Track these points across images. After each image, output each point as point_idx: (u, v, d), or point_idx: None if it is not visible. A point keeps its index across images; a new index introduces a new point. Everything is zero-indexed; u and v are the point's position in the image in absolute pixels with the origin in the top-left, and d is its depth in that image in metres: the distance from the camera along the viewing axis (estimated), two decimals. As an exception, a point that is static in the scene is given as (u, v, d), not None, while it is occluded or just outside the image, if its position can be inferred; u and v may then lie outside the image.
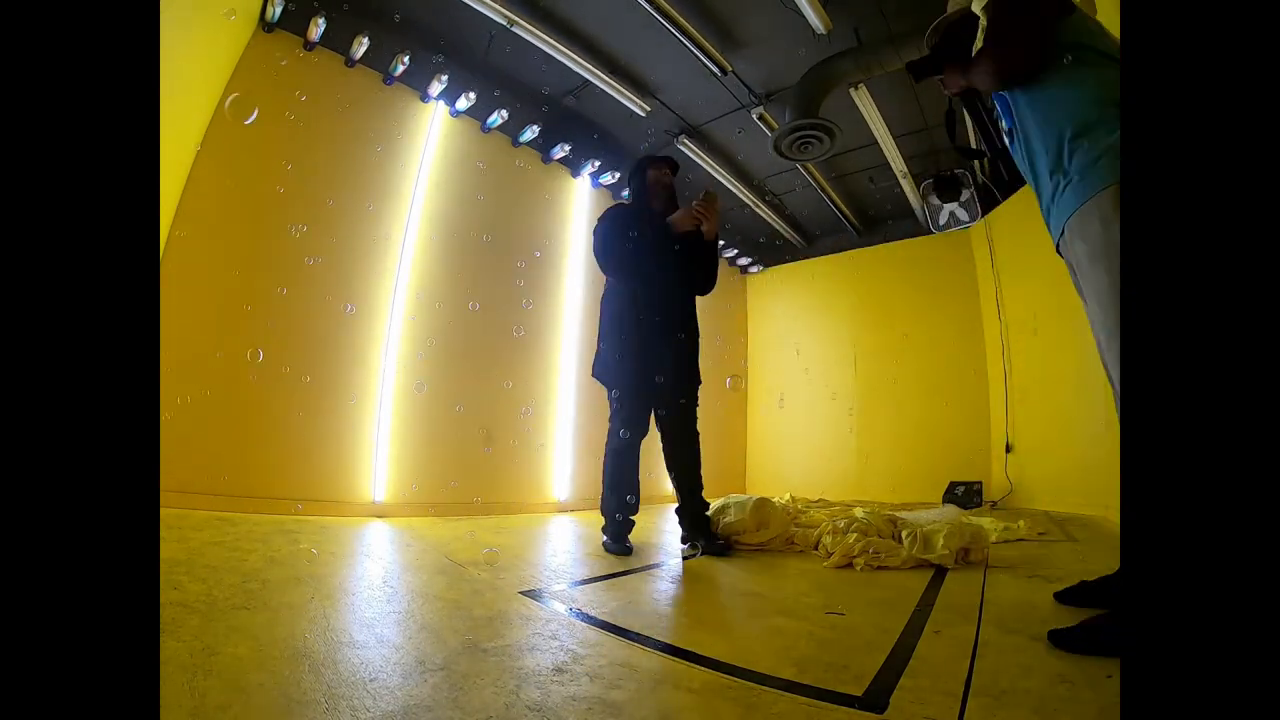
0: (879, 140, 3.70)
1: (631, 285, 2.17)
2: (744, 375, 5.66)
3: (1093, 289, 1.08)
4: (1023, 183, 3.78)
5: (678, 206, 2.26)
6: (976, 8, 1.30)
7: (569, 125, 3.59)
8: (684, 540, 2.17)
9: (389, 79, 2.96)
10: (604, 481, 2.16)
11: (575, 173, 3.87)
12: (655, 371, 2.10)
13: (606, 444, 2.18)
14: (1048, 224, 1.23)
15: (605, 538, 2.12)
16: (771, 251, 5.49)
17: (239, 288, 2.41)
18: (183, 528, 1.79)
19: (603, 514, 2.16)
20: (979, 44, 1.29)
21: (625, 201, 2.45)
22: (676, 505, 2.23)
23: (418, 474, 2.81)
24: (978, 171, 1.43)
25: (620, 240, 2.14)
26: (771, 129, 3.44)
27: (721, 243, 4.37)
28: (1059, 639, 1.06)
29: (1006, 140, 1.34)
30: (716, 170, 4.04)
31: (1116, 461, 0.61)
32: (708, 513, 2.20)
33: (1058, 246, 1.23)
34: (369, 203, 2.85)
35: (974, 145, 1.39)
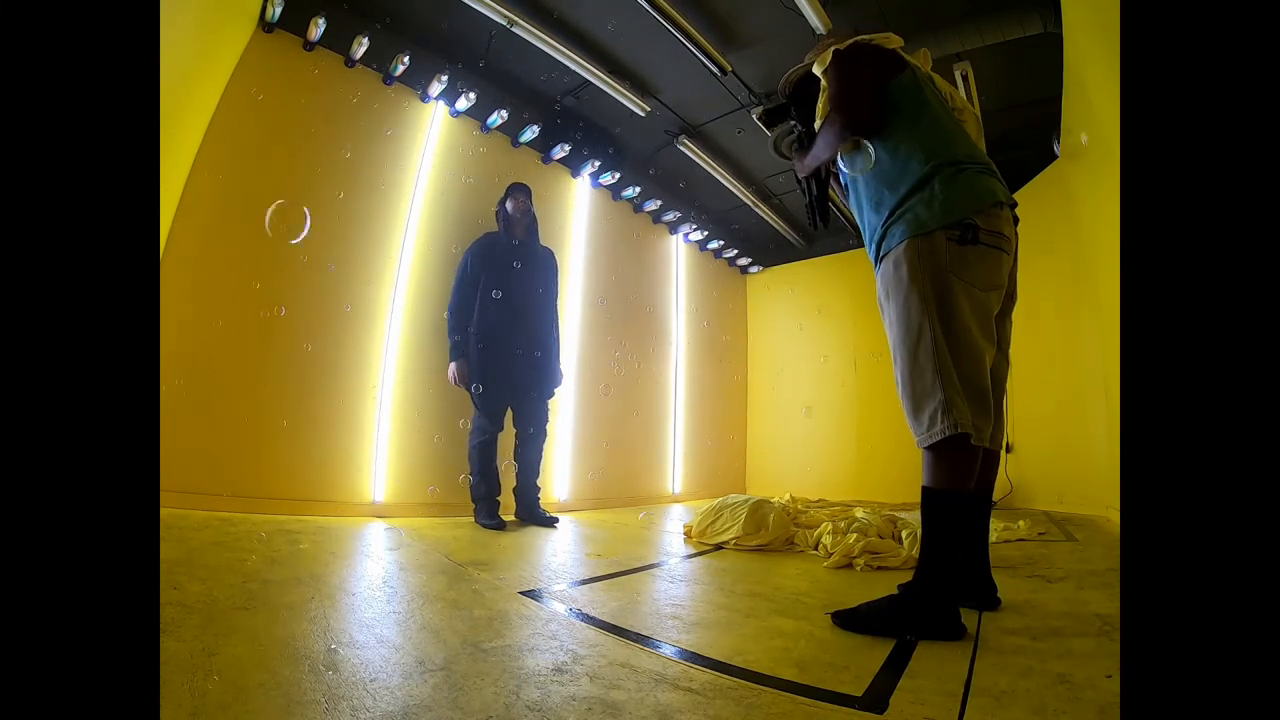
0: (879, 140, 3.69)
1: (489, 302, 2.65)
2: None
3: (888, 319, 1.27)
4: (1019, 186, 3.78)
5: (535, 225, 2.86)
6: (817, 70, 1.41)
7: (569, 125, 3.59)
8: (517, 513, 2.75)
9: (389, 79, 2.96)
10: (472, 470, 2.63)
11: (575, 173, 3.87)
12: (513, 374, 2.64)
13: (470, 438, 2.67)
14: (868, 250, 1.39)
15: (482, 517, 2.56)
16: (771, 251, 5.49)
17: (239, 287, 2.40)
18: (183, 528, 1.79)
19: (477, 499, 2.61)
20: (820, 110, 1.40)
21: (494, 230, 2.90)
22: (515, 486, 2.76)
23: (418, 474, 2.81)
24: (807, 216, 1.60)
25: (479, 269, 2.70)
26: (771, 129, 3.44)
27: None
28: (840, 619, 1.20)
29: (843, 190, 1.49)
30: (717, 170, 4.04)
31: (1116, 461, 0.61)
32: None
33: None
34: (369, 203, 2.85)
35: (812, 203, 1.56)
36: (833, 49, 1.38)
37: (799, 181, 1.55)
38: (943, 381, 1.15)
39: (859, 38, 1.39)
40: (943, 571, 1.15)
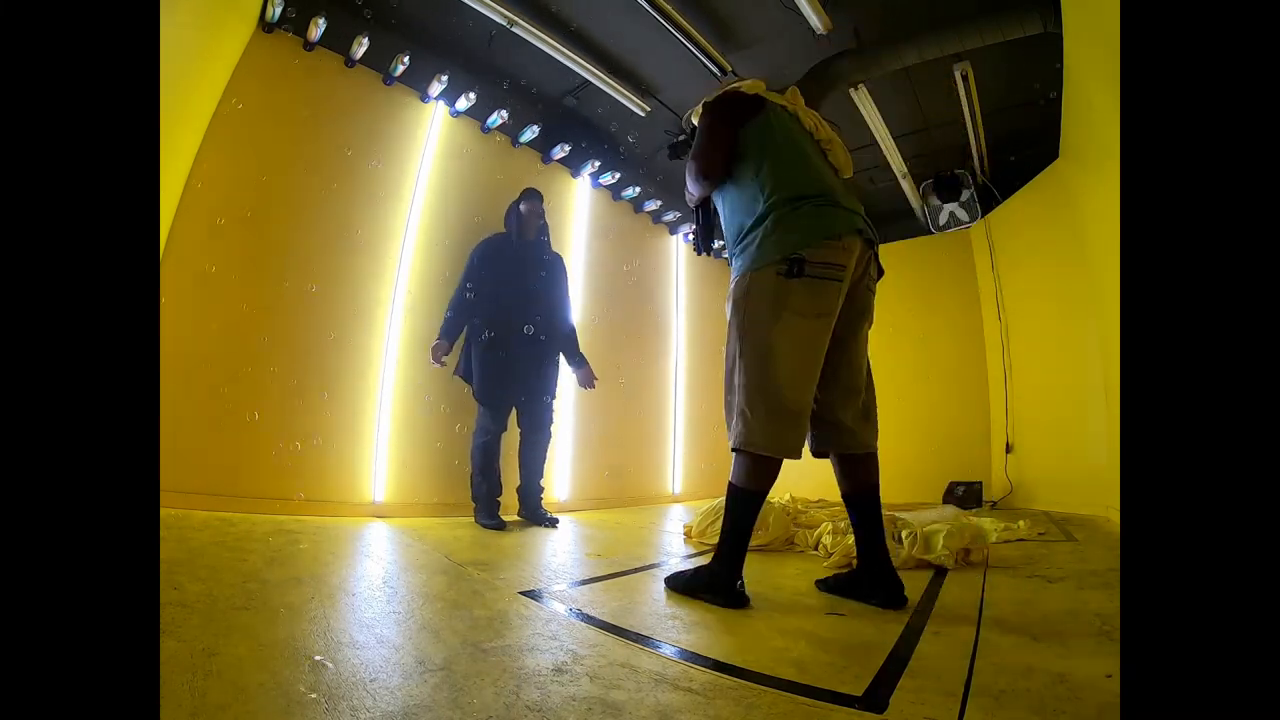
0: (879, 140, 3.69)
1: (499, 302, 2.67)
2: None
3: (729, 331, 1.43)
4: (1019, 186, 3.78)
5: (547, 230, 2.88)
6: (695, 119, 1.62)
7: (569, 125, 3.59)
8: (520, 513, 2.75)
9: (389, 79, 2.96)
10: (474, 469, 2.63)
11: (575, 173, 3.87)
12: (517, 375, 2.65)
13: (473, 438, 2.66)
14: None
15: (482, 517, 2.55)
16: (771, 251, 5.49)
17: (238, 287, 2.40)
18: (183, 528, 1.79)
19: (477, 499, 2.61)
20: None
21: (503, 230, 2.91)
22: (518, 486, 2.75)
23: (418, 475, 2.81)
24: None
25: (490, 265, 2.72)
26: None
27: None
28: (668, 581, 1.50)
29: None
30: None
31: (1116, 461, 0.62)
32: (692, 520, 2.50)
33: None
34: (369, 203, 2.85)
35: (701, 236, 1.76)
36: (704, 101, 1.58)
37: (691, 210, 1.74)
38: (746, 403, 1.35)
39: (728, 88, 1.61)
40: (730, 551, 1.39)
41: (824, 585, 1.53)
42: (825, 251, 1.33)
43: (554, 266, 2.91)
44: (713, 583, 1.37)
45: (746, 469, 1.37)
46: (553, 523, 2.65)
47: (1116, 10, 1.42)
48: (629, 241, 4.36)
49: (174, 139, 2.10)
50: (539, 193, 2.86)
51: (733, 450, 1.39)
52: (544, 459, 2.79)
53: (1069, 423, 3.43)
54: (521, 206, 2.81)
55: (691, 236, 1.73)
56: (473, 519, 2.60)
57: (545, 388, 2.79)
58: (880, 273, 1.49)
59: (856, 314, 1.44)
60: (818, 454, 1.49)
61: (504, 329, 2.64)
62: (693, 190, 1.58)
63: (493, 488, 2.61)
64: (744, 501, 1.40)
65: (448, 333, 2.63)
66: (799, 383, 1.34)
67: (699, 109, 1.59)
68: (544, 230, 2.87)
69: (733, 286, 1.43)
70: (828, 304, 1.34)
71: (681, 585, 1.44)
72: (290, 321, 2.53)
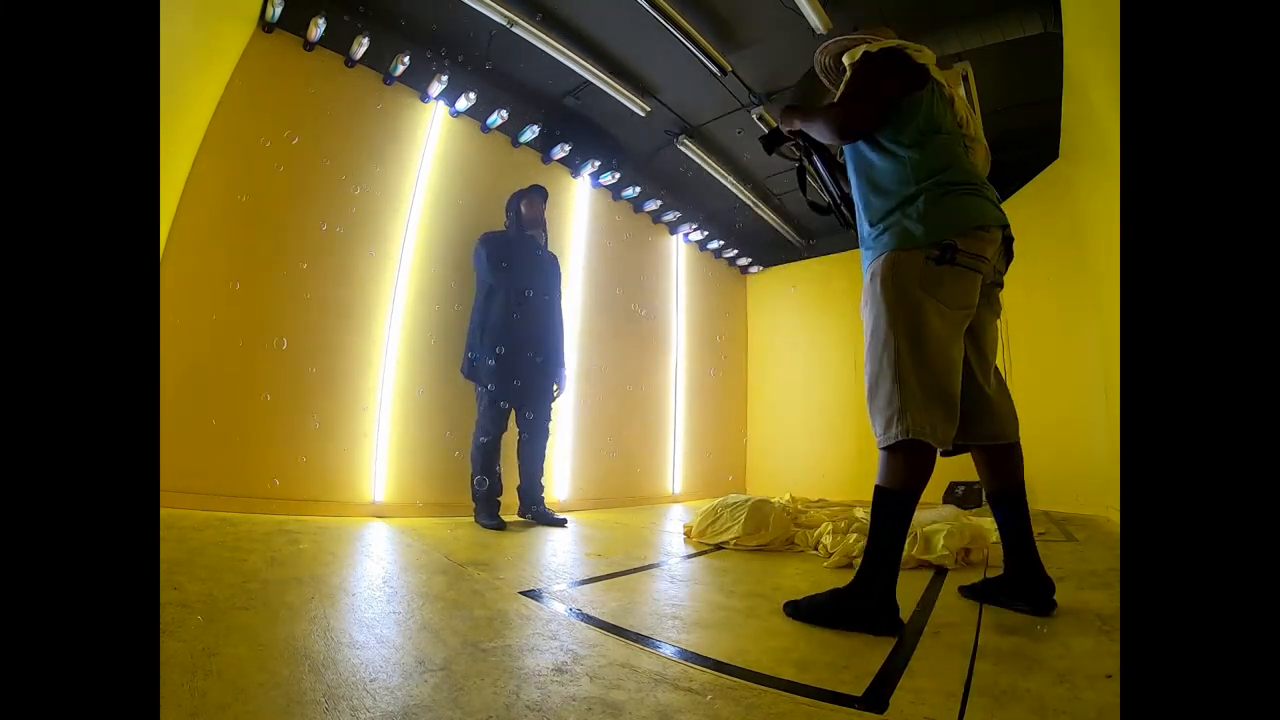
0: (879, 140, 3.69)
1: (505, 299, 2.68)
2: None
3: (865, 326, 1.33)
4: (1019, 186, 3.78)
5: (545, 228, 2.89)
6: (847, 60, 1.47)
7: (569, 125, 3.59)
8: (522, 513, 2.76)
9: (389, 79, 2.96)
10: (475, 469, 2.62)
11: (575, 173, 3.87)
12: (519, 375, 2.64)
13: (474, 436, 2.66)
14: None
15: (482, 517, 2.54)
16: (771, 251, 5.49)
17: (238, 287, 2.40)
18: (183, 528, 1.79)
19: (478, 499, 2.60)
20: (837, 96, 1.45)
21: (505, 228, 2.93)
22: (519, 486, 2.76)
23: (418, 475, 2.81)
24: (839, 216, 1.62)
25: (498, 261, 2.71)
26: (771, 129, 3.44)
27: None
28: (788, 608, 1.29)
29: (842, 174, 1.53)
30: (716, 170, 4.04)
31: (1116, 461, 0.62)
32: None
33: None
34: (369, 202, 2.85)
35: (823, 199, 1.63)
36: (864, 49, 1.42)
37: (791, 143, 1.58)
38: (901, 391, 1.22)
39: (896, 43, 1.42)
40: (883, 567, 1.20)
41: (969, 592, 1.43)
42: (975, 242, 1.25)
43: (551, 266, 2.95)
44: (860, 607, 1.19)
45: (901, 465, 1.23)
46: (561, 522, 2.66)
47: (1116, 10, 1.42)
48: (629, 241, 4.35)
49: (174, 139, 2.10)
50: (544, 190, 2.88)
51: (886, 448, 1.24)
52: (544, 458, 2.81)
53: (1069, 423, 3.43)
54: (522, 204, 2.82)
55: (809, 181, 1.60)
56: (473, 519, 2.61)
57: (546, 387, 2.81)
58: (1010, 259, 1.40)
59: (986, 306, 1.36)
60: (957, 449, 1.36)
61: (504, 330, 2.66)
62: (822, 137, 1.43)
63: (493, 488, 2.61)
64: (898, 505, 1.23)
65: (475, 367, 2.66)
66: (952, 369, 1.25)
67: (853, 53, 1.45)
68: (543, 229, 2.89)
69: (878, 264, 1.29)
70: (970, 296, 1.27)
71: (817, 614, 1.23)
72: (290, 321, 2.53)
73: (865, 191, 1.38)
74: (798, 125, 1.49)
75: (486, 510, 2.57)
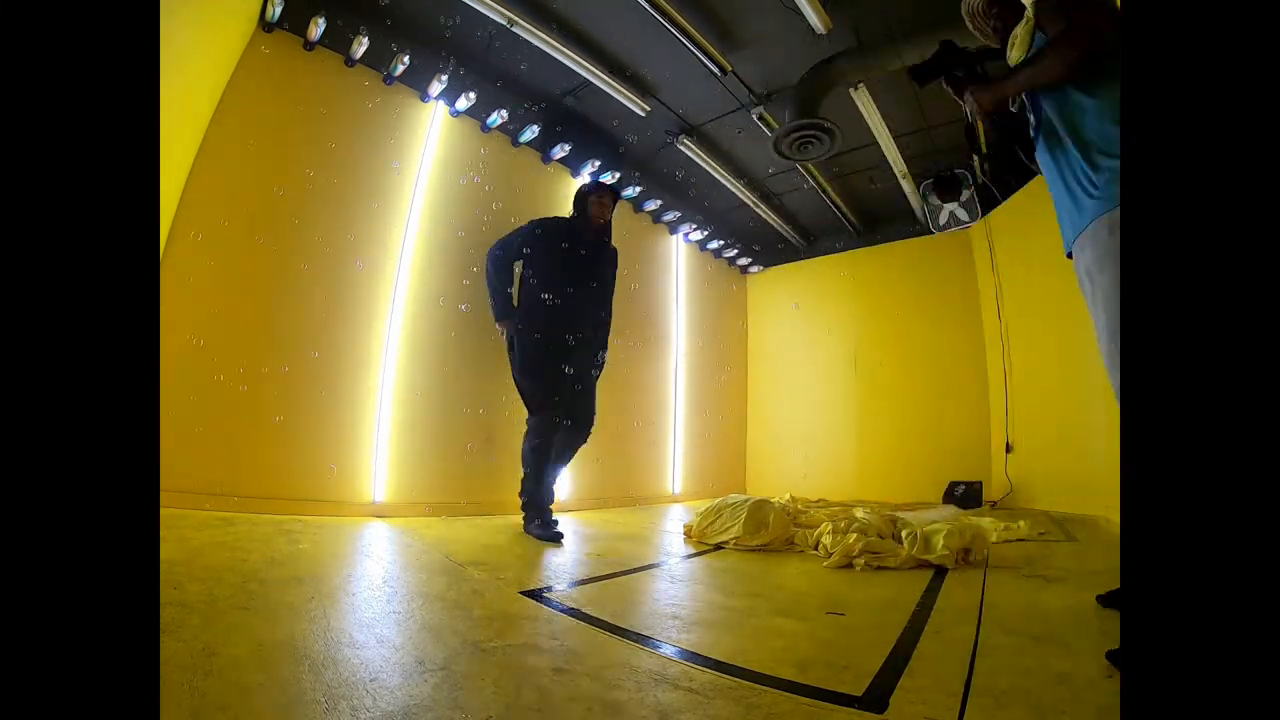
0: (879, 140, 3.69)
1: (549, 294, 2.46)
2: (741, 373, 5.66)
3: (1102, 293, 1.09)
4: (1020, 185, 3.77)
5: (609, 232, 2.67)
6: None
7: (569, 125, 3.59)
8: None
9: (389, 79, 2.96)
10: (529, 476, 2.41)
11: (575, 173, 3.87)
12: (571, 377, 2.44)
13: (525, 441, 2.45)
14: (1060, 224, 1.24)
15: (536, 528, 2.28)
16: (771, 251, 5.49)
17: (238, 287, 2.40)
18: (183, 528, 1.79)
19: (531, 506, 2.38)
20: (1017, 42, 1.27)
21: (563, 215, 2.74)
22: (525, 488, 2.48)
23: (418, 475, 2.81)
24: (978, 172, 1.44)
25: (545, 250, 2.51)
26: (771, 129, 3.44)
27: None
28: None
29: (1032, 135, 1.32)
30: (716, 170, 4.04)
31: (1116, 461, 0.62)
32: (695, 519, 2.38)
33: (1069, 250, 1.24)
34: (368, 203, 2.85)
35: (985, 146, 1.42)
36: None
37: (976, 124, 1.38)
38: None
39: None
40: None
41: (1107, 601, 1.35)
42: None
43: (610, 259, 2.70)
44: None
45: None
46: (557, 538, 2.24)
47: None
48: (629, 241, 4.35)
49: (174, 139, 2.10)
50: (614, 189, 2.76)
51: None
52: (572, 457, 2.58)
53: (1069, 423, 3.43)
54: (590, 200, 2.61)
55: (982, 160, 1.40)
56: (522, 529, 2.36)
57: (590, 383, 2.57)
58: None
59: None
60: None
61: (556, 323, 2.44)
62: (1054, 70, 1.18)
63: (546, 495, 2.41)
64: None
65: (507, 313, 2.50)
66: None
67: None
68: (607, 228, 2.67)
69: (1117, 216, 1.06)
70: None
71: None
72: (290, 321, 2.53)
73: (1090, 136, 1.14)
74: (1009, 91, 1.30)
75: (539, 520, 2.32)
